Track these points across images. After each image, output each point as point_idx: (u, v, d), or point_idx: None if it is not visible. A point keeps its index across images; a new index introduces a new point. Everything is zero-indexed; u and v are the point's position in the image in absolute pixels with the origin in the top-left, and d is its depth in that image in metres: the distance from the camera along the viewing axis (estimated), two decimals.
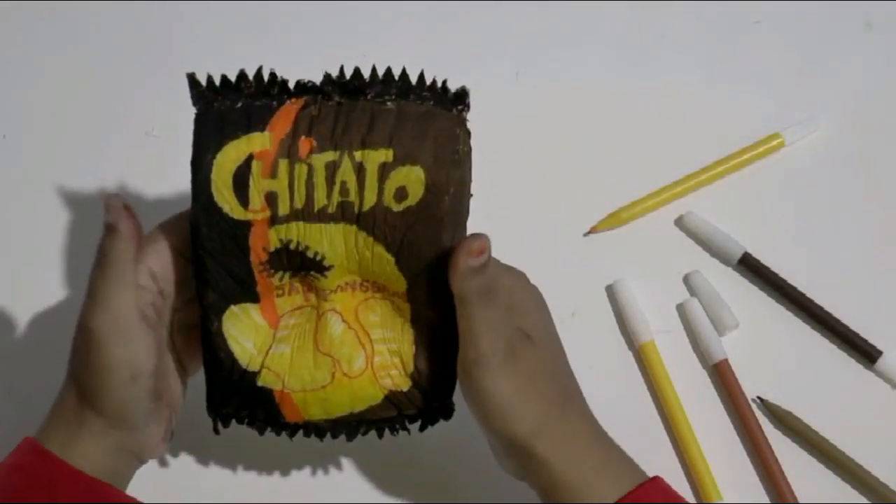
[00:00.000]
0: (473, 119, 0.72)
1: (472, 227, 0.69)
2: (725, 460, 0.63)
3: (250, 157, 0.51)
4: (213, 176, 0.51)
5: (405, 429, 0.56)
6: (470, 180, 0.53)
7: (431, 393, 0.55)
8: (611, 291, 0.67)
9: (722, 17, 0.76)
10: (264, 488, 0.62)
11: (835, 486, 0.63)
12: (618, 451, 0.54)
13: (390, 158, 0.51)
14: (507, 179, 0.70)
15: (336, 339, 0.54)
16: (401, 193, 0.51)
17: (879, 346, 0.65)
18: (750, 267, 0.67)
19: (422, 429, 0.56)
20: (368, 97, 0.52)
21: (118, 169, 0.71)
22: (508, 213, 0.69)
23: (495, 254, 0.52)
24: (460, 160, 0.52)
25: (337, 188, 0.51)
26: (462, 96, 0.53)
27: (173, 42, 0.76)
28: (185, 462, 0.63)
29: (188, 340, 0.56)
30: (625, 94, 0.73)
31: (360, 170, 0.51)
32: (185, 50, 0.75)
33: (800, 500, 0.62)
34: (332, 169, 0.51)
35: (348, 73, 0.52)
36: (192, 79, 0.52)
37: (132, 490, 0.55)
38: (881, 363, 0.65)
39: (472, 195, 0.54)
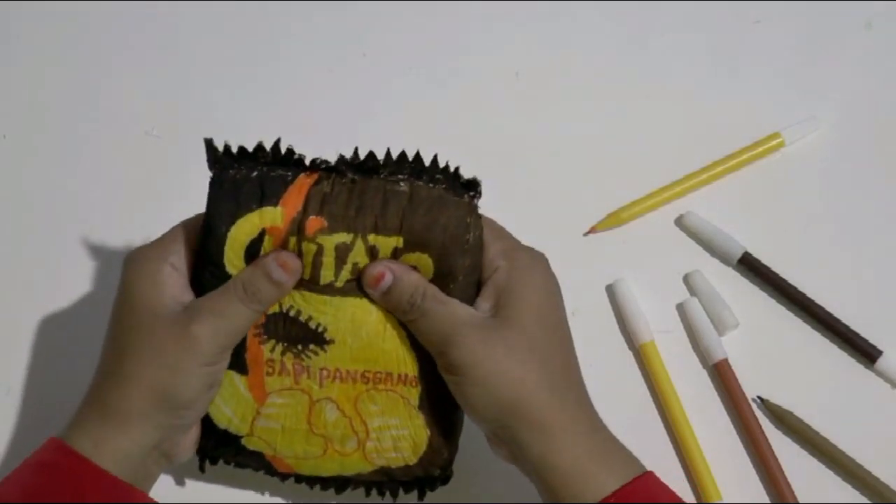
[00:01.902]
0: (474, 118, 0.72)
1: None
2: (725, 460, 0.63)
3: (263, 232, 0.51)
4: (227, 248, 0.52)
5: (395, 493, 0.57)
6: (480, 264, 0.53)
7: (438, 465, 0.56)
8: (611, 291, 0.67)
9: (722, 17, 0.76)
10: (264, 488, 0.62)
11: (835, 486, 0.63)
12: (614, 443, 0.53)
13: (401, 244, 0.52)
14: (506, 179, 0.70)
15: (330, 424, 0.54)
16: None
17: (879, 346, 0.65)
18: (750, 267, 0.67)
19: (420, 497, 0.57)
20: (382, 176, 0.52)
21: (118, 169, 0.71)
22: (508, 212, 0.69)
23: None
24: (470, 249, 0.52)
25: (348, 268, 0.52)
26: (474, 184, 0.52)
27: (173, 42, 0.76)
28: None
29: None
30: (625, 94, 0.73)
31: (373, 252, 0.52)
32: (186, 50, 0.75)
33: (800, 500, 0.62)
34: (343, 250, 0.52)
35: (362, 154, 0.52)
36: (209, 145, 0.52)
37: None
38: (881, 363, 0.65)
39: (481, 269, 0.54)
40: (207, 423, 0.55)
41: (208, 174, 0.70)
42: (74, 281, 0.68)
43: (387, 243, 0.52)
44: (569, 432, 0.51)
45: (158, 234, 0.68)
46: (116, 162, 0.71)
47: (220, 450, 0.56)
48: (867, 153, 0.72)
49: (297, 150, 0.52)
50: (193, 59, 0.75)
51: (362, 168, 0.52)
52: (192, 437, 0.54)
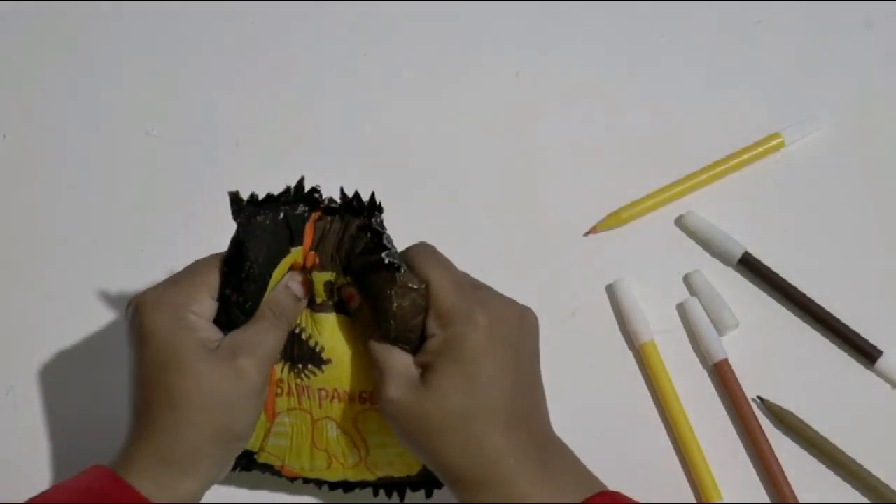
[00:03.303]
0: (474, 118, 0.72)
1: (472, 226, 0.69)
2: (725, 460, 0.63)
3: (291, 267, 0.54)
4: (269, 290, 0.54)
5: (402, 494, 0.58)
6: (418, 325, 0.53)
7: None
8: (611, 291, 0.67)
9: (722, 17, 0.76)
10: (273, 488, 0.62)
11: (835, 486, 0.63)
12: (567, 468, 0.52)
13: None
14: (507, 179, 0.70)
15: (332, 441, 0.56)
16: None
17: (879, 346, 0.65)
18: (750, 267, 0.67)
19: (428, 495, 0.58)
20: (364, 216, 0.54)
21: (118, 169, 0.71)
22: (509, 212, 0.69)
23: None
24: (392, 315, 0.52)
25: (335, 295, 0.55)
26: (396, 266, 0.52)
27: (173, 42, 0.76)
28: None
29: None
30: (625, 94, 0.73)
31: (349, 284, 0.54)
32: (186, 50, 0.75)
33: (800, 500, 0.62)
34: (328, 286, 0.54)
35: (337, 196, 0.55)
36: (234, 197, 0.53)
37: None
38: (881, 363, 0.65)
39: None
40: None
41: (208, 175, 0.71)
42: (74, 281, 0.68)
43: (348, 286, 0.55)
44: (505, 489, 0.50)
45: (157, 234, 0.69)
46: (116, 162, 0.71)
47: (234, 463, 0.57)
48: (867, 153, 0.72)
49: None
50: (193, 59, 0.75)
51: (350, 209, 0.54)
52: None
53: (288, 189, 0.54)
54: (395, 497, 0.58)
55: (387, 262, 0.52)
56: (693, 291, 0.67)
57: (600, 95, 0.73)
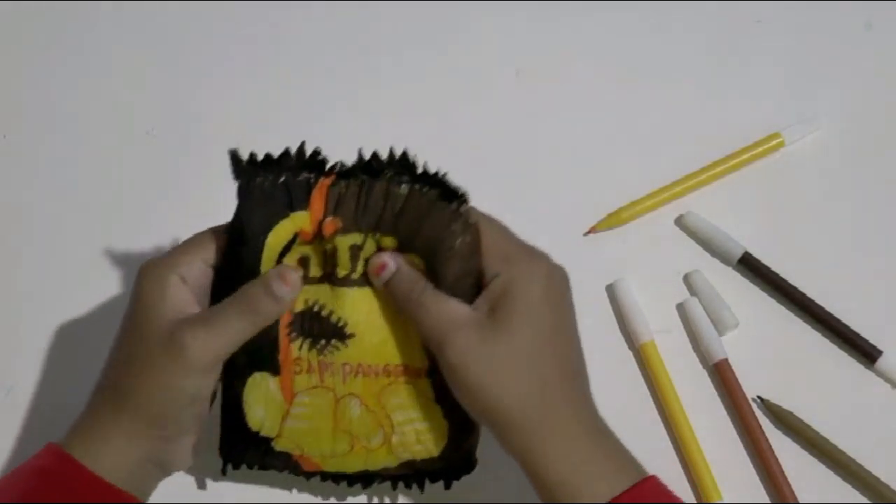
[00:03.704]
0: (474, 118, 0.72)
1: None
2: (725, 460, 0.63)
3: (295, 236, 0.53)
4: (264, 255, 0.53)
5: (421, 485, 0.57)
6: (474, 268, 0.53)
7: (461, 455, 0.56)
8: (611, 291, 0.67)
9: (722, 18, 0.76)
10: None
11: (835, 486, 0.63)
12: (615, 448, 0.52)
13: (396, 245, 0.53)
14: (507, 179, 0.70)
15: (355, 420, 0.55)
16: (415, 267, 0.53)
17: (879, 346, 0.65)
18: (750, 267, 0.67)
19: (447, 486, 0.57)
20: (387, 176, 0.53)
21: (118, 169, 0.71)
22: (509, 212, 0.69)
23: None
24: (455, 255, 0.52)
25: (360, 262, 0.53)
26: (459, 195, 0.52)
27: (173, 42, 0.76)
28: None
29: None
30: (625, 94, 0.73)
31: (380, 247, 0.53)
32: (186, 50, 0.75)
33: (800, 500, 0.62)
34: (355, 250, 0.53)
35: (366, 156, 0.53)
36: (234, 156, 0.53)
37: None
38: (881, 363, 0.65)
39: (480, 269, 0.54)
40: (238, 424, 0.55)
41: (208, 175, 0.71)
42: (74, 281, 0.68)
43: (386, 242, 0.53)
44: (561, 440, 0.51)
45: (157, 234, 0.69)
46: (116, 162, 0.71)
47: (248, 453, 0.56)
48: (867, 153, 0.72)
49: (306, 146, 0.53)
50: (193, 59, 0.75)
51: (369, 169, 0.53)
52: (185, 446, 0.54)
53: (287, 152, 0.53)
54: (415, 490, 0.57)
55: (454, 189, 0.52)
56: (693, 291, 0.67)
57: (600, 95, 0.73)
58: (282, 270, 0.52)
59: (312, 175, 0.53)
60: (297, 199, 0.53)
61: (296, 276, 0.53)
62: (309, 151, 0.53)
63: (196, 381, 0.51)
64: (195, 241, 0.55)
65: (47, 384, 0.65)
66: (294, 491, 0.62)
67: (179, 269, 0.53)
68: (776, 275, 0.67)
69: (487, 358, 0.51)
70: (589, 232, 0.69)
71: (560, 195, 0.70)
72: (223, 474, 0.57)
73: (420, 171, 0.53)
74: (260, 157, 0.53)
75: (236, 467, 0.57)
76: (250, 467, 0.57)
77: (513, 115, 0.72)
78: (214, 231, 0.55)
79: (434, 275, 0.53)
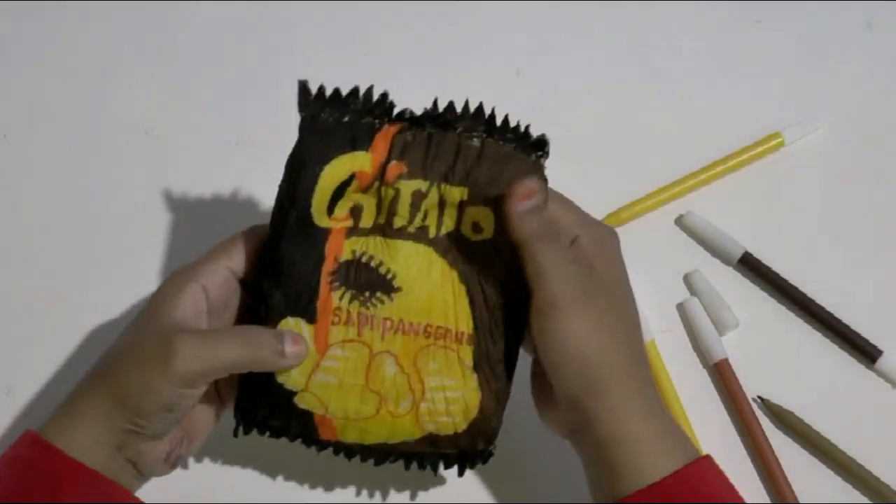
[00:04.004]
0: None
1: None
2: (725, 460, 0.63)
3: (353, 175, 0.53)
4: (318, 187, 0.53)
5: (435, 467, 0.56)
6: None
7: (485, 434, 0.55)
8: None
9: (722, 17, 0.76)
10: (264, 488, 0.62)
11: (835, 486, 0.63)
12: (676, 424, 0.53)
13: (465, 196, 0.53)
14: None
15: (388, 381, 0.54)
16: (476, 227, 0.53)
17: (880, 346, 0.65)
18: (750, 267, 0.67)
19: (461, 473, 0.56)
20: (458, 131, 0.53)
21: (118, 169, 0.71)
22: None
23: None
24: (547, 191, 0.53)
25: (420, 215, 0.53)
26: (542, 143, 0.54)
27: (173, 42, 0.76)
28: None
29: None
30: (625, 94, 0.73)
31: (442, 200, 0.53)
32: (186, 50, 0.75)
33: (800, 500, 0.62)
34: (418, 197, 0.53)
35: (441, 106, 0.54)
36: (303, 87, 0.53)
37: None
38: (881, 363, 0.65)
39: None
40: (262, 376, 0.53)
41: (208, 175, 0.71)
42: (74, 281, 0.68)
43: (453, 194, 0.53)
44: (641, 404, 0.52)
45: (157, 234, 0.69)
46: (117, 162, 0.71)
47: (267, 407, 0.55)
48: (867, 153, 0.72)
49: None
50: (193, 59, 0.75)
51: (440, 121, 0.53)
52: (157, 450, 0.53)
53: (356, 91, 0.53)
54: (429, 471, 0.56)
55: (533, 140, 0.53)
56: (693, 291, 0.67)
57: (600, 95, 0.73)
58: (297, 336, 0.52)
59: (377, 120, 0.53)
60: (359, 140, 0.53)
61: (304, 348, 0.52)
62: (379, 95, 0.53)
63: (175, 390, 0.50)
64: (222, 248, 0.55)
65: (47, 384, 0.65)
66: (294, 492, 0.62)
67: (202, 279, 0.53)
68: (776, 275, 0.67)
69: (594, 312, 0.51)
70: None
71: None
72: (235, 436, 0.56)
73: (498, 123, 0.53)
74: (329, 92, 0.53)
75: (248, 430, 0.56)
76: (262, 431, 0.56)
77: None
78: (245, 234, 0.55)
79: (503, 227, 0.52)
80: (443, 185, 0.53)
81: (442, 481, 0.62)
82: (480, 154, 0.53)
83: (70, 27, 0.76)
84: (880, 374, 0.65)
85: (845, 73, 0.74)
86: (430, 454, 0.56)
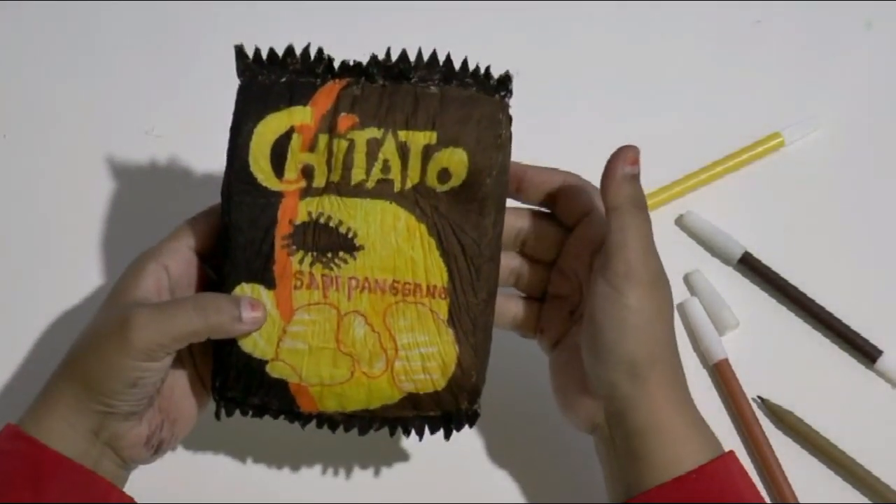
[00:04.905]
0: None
1: None
2: None
3: (291, 130, 0.52)
4: (252, 144, 0.52)
5: (420, 431, 0.55)
6: (508, 165, 0.54)
7: (466, 392, 0.54)
8: None
9: (722, 17, 0.76)
10: (264, 487, 0.62)
11: (835, 486, 0.62)
12: (702, 418, 0.54)
13: (434, 140, 0.52)
14: None
15: (358, 341, 0.53)
16: (444, 175, 0.52)
17: (880, 346, 0.65)
18: (750, 267, 0.67)
19: (447, 436, 0.55)
20: (412, 81, 0.52)
21: (118, 169, 0.71)
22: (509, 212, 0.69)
23: None
24: (502, 144, 0.53)
25: (378, 165, 0.52)
26: (505, 82, 0.53)
27: (173, 42, 0.76)
28: (183, 462, 0.63)
29: (209, 357, 0.55)
30: (625, 94, 0.73)
31: (403, 149, 0.52)
32: (186, 49, 0.75)
33: (800, 500, 0.61)
34: (374, 146, 0.52)
35: (394, 56, 0.53)
36: (239, 51, 0.53)
37: (129, 491, 0.55)
38: (881, 363, 0.65)
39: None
40: (229, 350, 0.53)
41: (209, 172, 0.71)
42: (74, 281, 0.68)
43: (419, 139, 0.52)
44: (677, 399, 0.52)
45: (157, 235, 0.69)
46: (116, 162, 0.71)
47: (241, 383, 0.54)
48: (867, 153, 0.72)
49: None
50: (193, 59, 0.75)
51: (393, 72, 0.52)
52: (138, 433, 0.53)
53: (292, 51, 0.52)
54: (414, 437, 0.55)
55: (494, 80, 0.52)
56: (693, 291, 0.67)
57: (600, 95, 0.73)
58: (255, 301, 0.52)
59: (319, 80, 0.52)
60: (298, 96, 0.52)
61: (263, 314, 0.52)
62: (315, 52, 0.52)
63: (135, 363, 0.50)
64: (183, 227, 0.55)
65: (39, 386, 0.65)
66: (294, 492, 0.62)
67: (162, 258, 0.53)
68: (776, 275, 0.67)
69: (657, 294, 0.52)
70: None
71: None
72: (216, 418, 0.55)
73: (457, 68, 0.52)
74: (266, 54, 0.53)
75: (229, 411, 0.55)
76: (245, 412, 0.55)
77: (513, 114, 0.72)
78: (206, 212, 0.55)
79: (480, 167, 0.52)
80: (402, 132, 0.52)
81: (431, 453, 0.61)
82: (442, 99, 0.52)
83: (70, 27, 0.76)
84: (880, 374, 0.65)
85: (845, 73, 0.74)
86: (413, 418, 0.54)
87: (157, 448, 0.54)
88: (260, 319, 0.52)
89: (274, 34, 0.75)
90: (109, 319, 0.51)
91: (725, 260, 0.68)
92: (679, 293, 0.67)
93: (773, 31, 0.75)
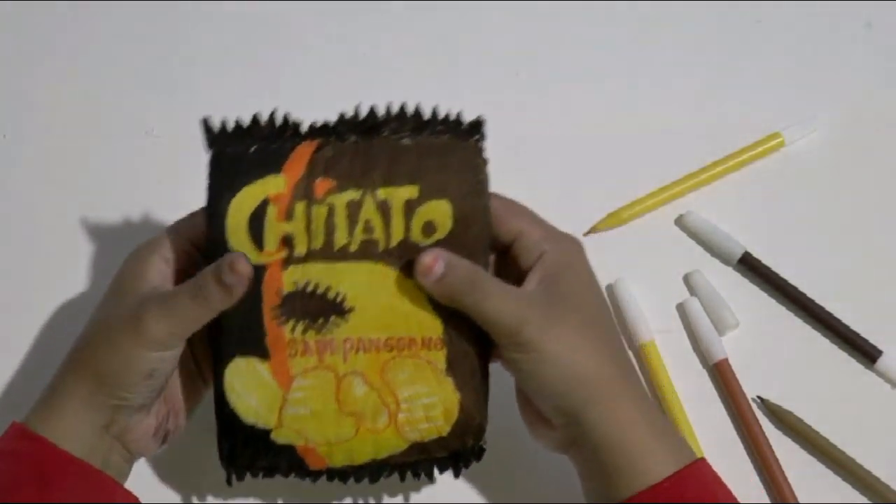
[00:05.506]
0: (474, 118, 0.72)
1: None
2: (725, 460, 0.63)
3: (266, 201, 0.51)
4: (229, 220, 0.51)
5: (430, 474, 0.55)
6: (490, 207, 0.53)
7: (472, 432, 0.54)
8: (611, 291, 0.67)
9: (722, 17, 0.76)
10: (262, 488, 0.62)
11: (835, 486, 0.63)
12: (670, 424, 0.54)
13: (415, 195, 0.51)
14: (506, 179, 0.70)
15: (360, 400, 0.53)
16: (429, 228, 0.52)
17: (879, 346, 0.65)
18: (750, 267, 0.67)
19: (456, 475, 0.56)
20: (384, 135, 0.52)
21: (118, 169, 0.71)
22: None
23: None
24: (483, 189, 0.53)
25: (360, 227, 0.51)
26: (477, 126, 0.53)
27: (173, 42, 0.76)
28: (182, 460, 0.63)
29: (205, 343, 0.55)
30: (625, 94, 0.73)
31: (384, 207, 0.51)
32: (186, 50, 0.75)
33: (800, 500, 0.62)
34: (354, 208, 0.51)
35: (363, 113, 0.52)
36: (205, 124, 0.52)
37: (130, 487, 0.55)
38: (881, 363, 0.65)
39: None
40: (233, 421, 0.53)
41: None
42: (74, 281, 0.68)
43: (400, 194, 0.51)
44: (633, 409, 0.52)
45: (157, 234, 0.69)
46: (116, 162, 0.71)
47: (248, 451, 0.54)
48: (867, 153, 0.72)
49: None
50: (193, 59, 0.75)
51: (363, 128, 0.52)
52: (147, 426, 0.53)
53: (258, 120, 0.52)
54: (425, 479, 0.56)
55: (466, 125, 0.52)
56: (693, 291, 0.67)
57: (600, 95, 0.73)
58: (231, 258, 0.50)
59: (289, 144, 0.52)
60: (269, 166, 0.51)
61: (246, 266, 0.50)
62: (281, 118, 0.52)
63: (152, 354, 0.51)
64: (183, 222, 0.55)
65: (41, 384, 0.65)
66: (293, 492, 0.62)
67: (163, 251, 0.53)
68: (776, 275, 0.67)
69: (565, 329, 0.51)
70: (589, 232, 0.69)
71: (560, 195, 0.70)
72: (228, 484, 0.55)
73: (427, 117, 0.52)
74: (231, 126, 0.52)
75: (240, 475, 0.55)
76: (254, 474, 0.55)
77: (513, 115, 0.72)
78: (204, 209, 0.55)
79: (465, 215, 0.52)
80: (381, 190, 0.51)
81: (438, 484, 0.61)
82: (418, 151, 0.52)
83: (70, 27, 0.76)
84: (880, 374, 0.65)
85: (845, 74, 0.74)
86: (422, 461, 0.55)
87: (163, 439, 0.55)
88: (245, 273, 0.50)
89: (274, 34, 0.76)
90: (119, 312, 0.51)
91: (725, 260, 0.68)
92: (679, 293, 0.67)
93: (773, 31, 0.75)
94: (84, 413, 0.51)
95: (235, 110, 0.72)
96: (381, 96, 0.73)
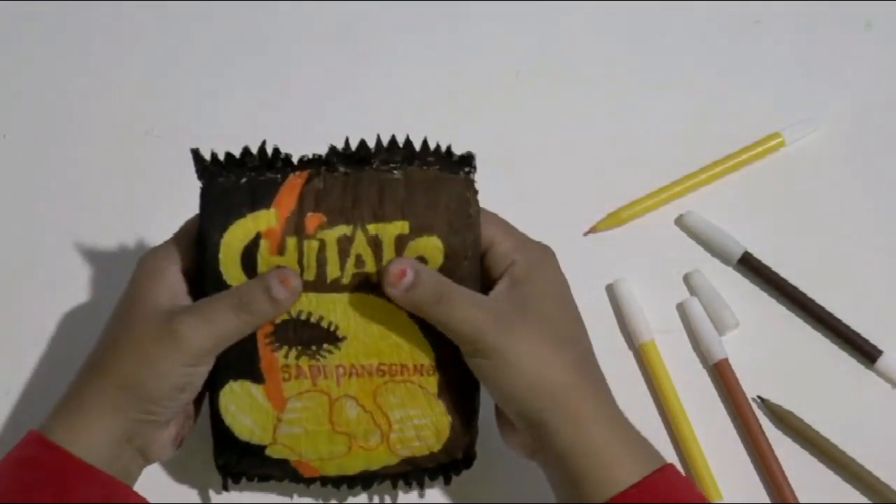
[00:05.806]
0: (474, 118, 0.72)
1: None
2: (725, 460, 0.63)
3: (258, 236, 0.51)
4: (222, 255, 0.51)
5: (420, 483, 0.57)
6: (480, 239, 0.53)
7: (462, 447, 0.55)
8: (611, 291, 0.67)
9: (722, 17, 0.76)
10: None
11: (835, 486, 0.63)
12: (635, 431, 0.53)
13: (405, 230, 0.52)
14: (506, 179, 0.70)
15: (352, 421, 0.54)
16: (420, 262, 0.52)
17: (879, 346, 0.65)
18: (750, 267, 0.67)
19: (447, 482, 0.57)
20: (374, 166, 0.52)
21: (118, 169, 0.71)
22: (509, 212, 0.69)
23: None
24: (473, 222, 0.53)
25: (352, 261, 0.52)
26: (468, 159, 0.53)
27: (173, 42, 0.76)
28: (183, 461, 0.63)
29: None
30: (625, 94, 0.73)
31: (375, 242, 0.52)
32: (186, 50, 0.75)
33: (800, 500, 0.62)
34: (345, 243, 0.51)
35: (353, 143, 0.52)
36: (196, 154, 0.52)
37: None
38: (881, 363, 0.65)
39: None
40: (228, 437, 0.54)
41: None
42: (74, 281, 0.68)
43: (389, 231, 0.52)
44: (597, 416, 0.52)
45: (157, 235, 0.69)
46: (116, 162, 0.71)
47: (243, 462, 0.56)
48: (867, 153, 0.72)
49: (295, 151, 0.53)
50: (194, 59, 0.75)
51: (353, 159, 0.52)
52: (167, 435, 0.54)
53: (249, 151, 0.52)
54: (415, 488, 0.57)
55: (457, 157, 0.52)
56: (693, 291, 0.67)
57: (600, 95, 0.73)
58: (283, 273, 0.51)
59: (279, 175, 0.52)
60: (260, 199, 0.51)
61: (297, 280, 0.51)
62: (272, 150, 0.52)
63: (188, 369, 0.51)
64: (188, 226, 0.55)
65: (47, 385, 0.65)
66: (294, 495, 0.62)
67: (177, 259, 0.53)
68: (776, 275, 0.67)
69: (527, 336, 0.51)
70: (589, 232, 0.69)
71: (560, 195, 0.70)
72: (224, 489, 0.57)
73: (418, 149, 0.52)
74: (222, 155, 0.52)
75: (236, 480, 0.57)
76: (249, 479, 0.57)
77: (513, 115, 0.72)
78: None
79: (455, 250, 0.52)
80: (372, 226, 0.51)
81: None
82: (407, 184, 0.52)
83: (70, 27, 0.76)
84: (880, 374, 0.65)
85: (845, 74, 0.74)
86: (413, 471, 0.56)
87: (179, 444, 0.55)
88: (296, 289, 0.51)
89: (276, 33, 0.76)
90: (150, 327, 0.51)
91: (725, 260, 0.68)
92: (679, 293, 0.67)
93: (773, 31, 0.75)
94: (108, 425, 0.51)
95: (236, 110, 0.73)
96: (381, 97, 0.73)
